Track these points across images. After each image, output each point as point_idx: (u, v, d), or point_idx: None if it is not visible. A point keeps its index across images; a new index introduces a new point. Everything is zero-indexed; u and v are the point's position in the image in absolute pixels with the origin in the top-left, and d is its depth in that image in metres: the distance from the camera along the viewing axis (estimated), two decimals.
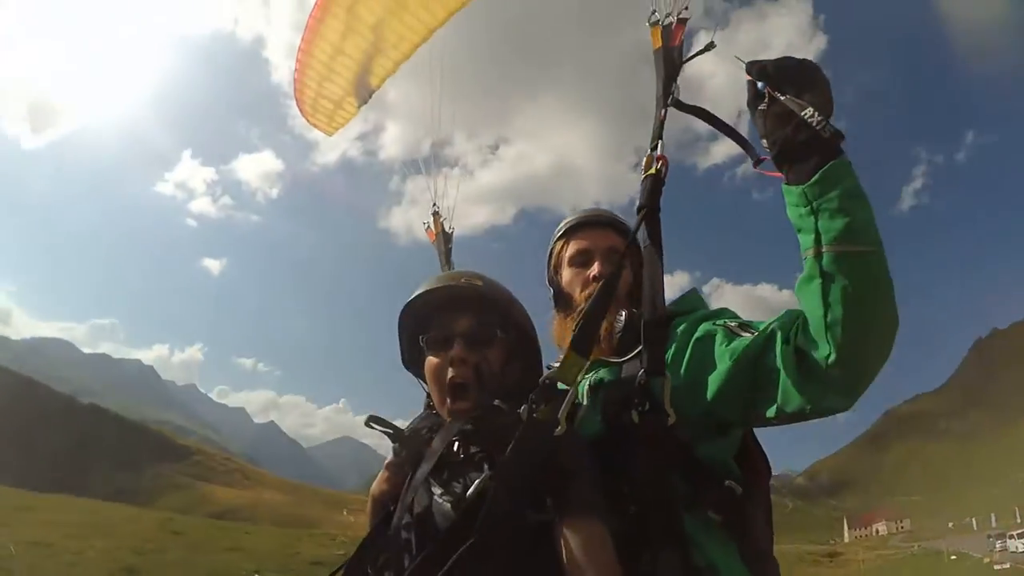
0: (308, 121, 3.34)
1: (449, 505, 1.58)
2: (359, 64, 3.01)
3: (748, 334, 1.72)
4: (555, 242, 2.25)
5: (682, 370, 1.78)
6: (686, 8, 1.94)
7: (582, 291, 2.09)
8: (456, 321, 1.76)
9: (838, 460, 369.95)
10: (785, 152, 1.52)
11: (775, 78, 1.53)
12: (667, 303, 1.90)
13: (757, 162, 1.70)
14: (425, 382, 1.87)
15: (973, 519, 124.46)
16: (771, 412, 1.65)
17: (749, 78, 1.59)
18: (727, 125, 1.85)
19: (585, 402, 1.86)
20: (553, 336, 2.14)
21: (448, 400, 1.74)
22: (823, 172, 1.44)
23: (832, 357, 1.45)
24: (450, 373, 1.73)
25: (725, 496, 1.77)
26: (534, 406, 1.56)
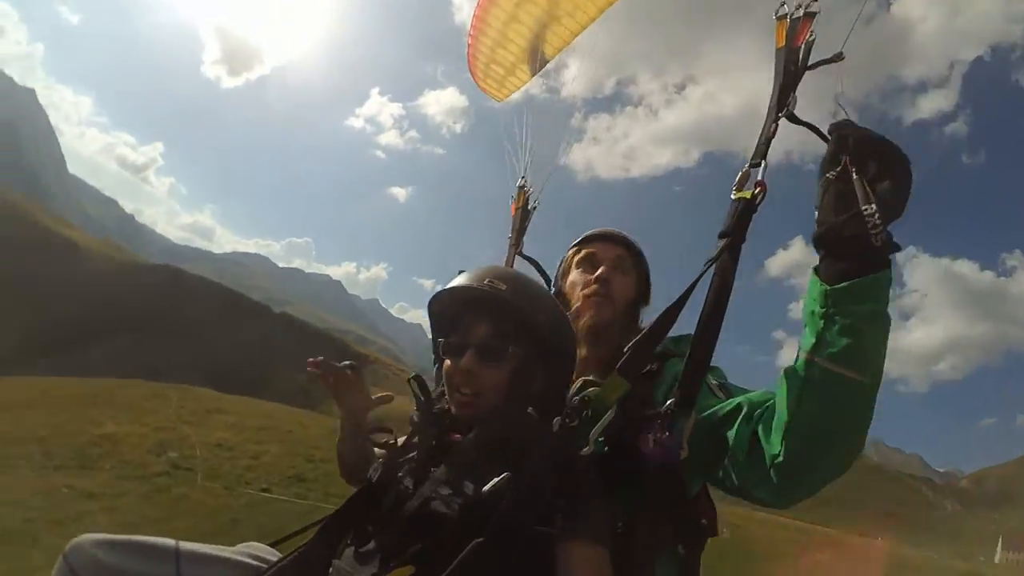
0: (479, 86, 3.39)
1: (456, 503, 1.56)
2: (533, 32, 3.05)
3: (723, 397, 1.82)
4: (568, 251, 2.37)
5: None
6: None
7: (582, 290, 2.19)
8: (473, 328, 1.77)
9: (1011, 470, 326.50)
10: (827, 239, 1.45)
11: (855, 151, 1.43)
12: (667, 340, 1.92)
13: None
14: None
15: None
16: (718, 477, 1.77)
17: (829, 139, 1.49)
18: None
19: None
20: None
21: (455, 407, 1.77)
22: (856, 283, 1.39)
23: (779, 459, 1.49)
24: (456, 381, 1.76)
25: (698, 533, 1.88)
26: (567, 420, 1.68)
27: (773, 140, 1.75)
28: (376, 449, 1.93)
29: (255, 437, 20.19)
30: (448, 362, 1.80)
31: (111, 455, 13.53)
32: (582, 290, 2.19)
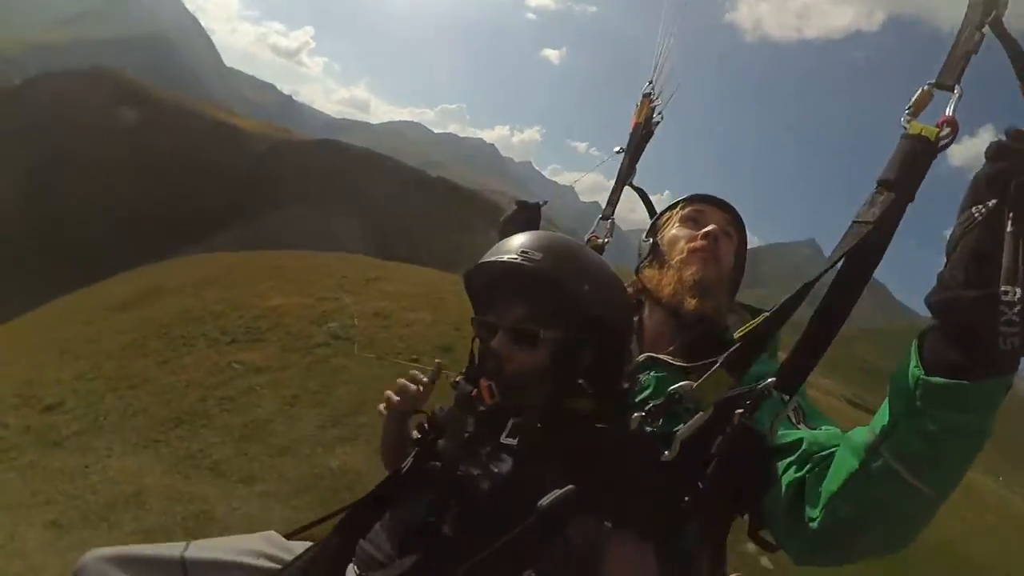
0: None
1: (486, 484, 1.48)
2: None
3: (795, 422, 1.53)
4: (668, 208, 2.20)
5: None
6: None
7: (687, 243, 1.99)
8: (509, 308, 1.63)
9: None
10: (943, 311, 1.05)
11: (1016, 197, 0.98)
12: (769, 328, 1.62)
13: None
14: None
15: None
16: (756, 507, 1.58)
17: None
18: None
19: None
20: (637, 285, 2.05)
21: (488, 392, 1.65)
22: (957, 386, 1.03)
23: (813, 527, 1.30)
24: (489, 366, 1.62)
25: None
26: (649, 420, 1.54)
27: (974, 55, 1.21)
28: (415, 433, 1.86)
29: (411, 305, 20.95)
30: (479, 343, 1.71)
31: (277, 328, 14.48)
32: (687, 243, 2.00)
